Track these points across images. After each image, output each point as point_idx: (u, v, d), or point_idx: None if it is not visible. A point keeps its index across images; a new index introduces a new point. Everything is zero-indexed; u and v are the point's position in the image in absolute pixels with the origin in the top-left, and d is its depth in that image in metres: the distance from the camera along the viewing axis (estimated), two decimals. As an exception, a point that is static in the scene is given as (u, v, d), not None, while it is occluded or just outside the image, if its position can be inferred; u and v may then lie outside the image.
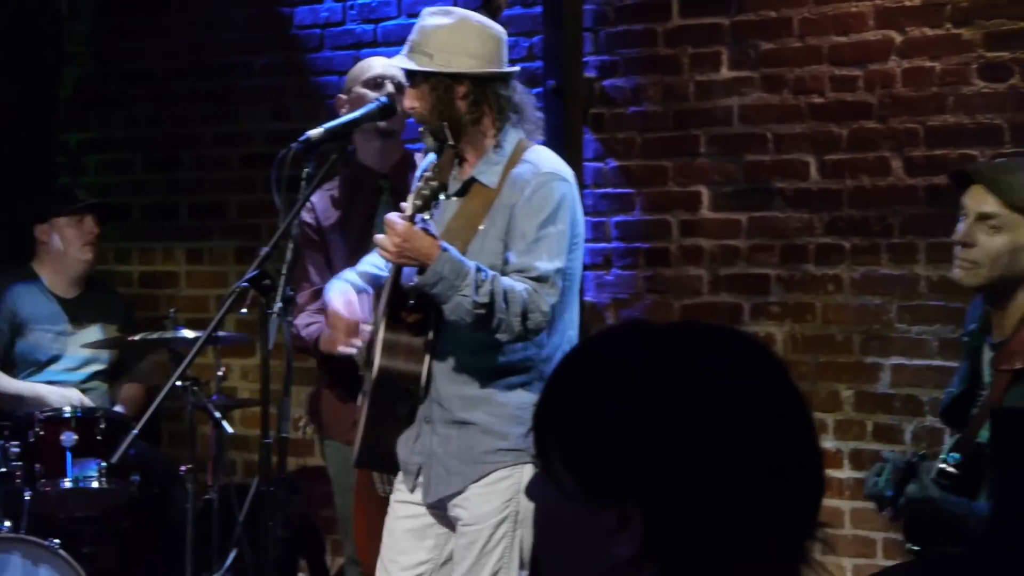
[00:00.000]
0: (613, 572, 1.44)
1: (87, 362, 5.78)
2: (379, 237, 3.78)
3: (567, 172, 3.93)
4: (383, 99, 4.25)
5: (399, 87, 4.64)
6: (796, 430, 1.47)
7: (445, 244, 3.73)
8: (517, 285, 3.75)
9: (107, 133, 6.90)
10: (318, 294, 4.83)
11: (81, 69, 6.96)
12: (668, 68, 5.63)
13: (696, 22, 5.58)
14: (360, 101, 4.50)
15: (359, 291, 4.13)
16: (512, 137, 3.89)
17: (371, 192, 4.83)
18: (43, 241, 5.82)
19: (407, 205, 3.77)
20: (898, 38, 5.26)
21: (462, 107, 3.85)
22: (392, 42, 6.04)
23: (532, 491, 1.52)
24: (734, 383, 1.45)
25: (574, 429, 1.46)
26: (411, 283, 3.82)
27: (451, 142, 3.83)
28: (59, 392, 5.61)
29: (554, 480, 1.48)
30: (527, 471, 3.84)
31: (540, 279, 3.77)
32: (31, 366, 5.71)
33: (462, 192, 3.92)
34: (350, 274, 4.20)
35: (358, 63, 5.01)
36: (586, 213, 5.63)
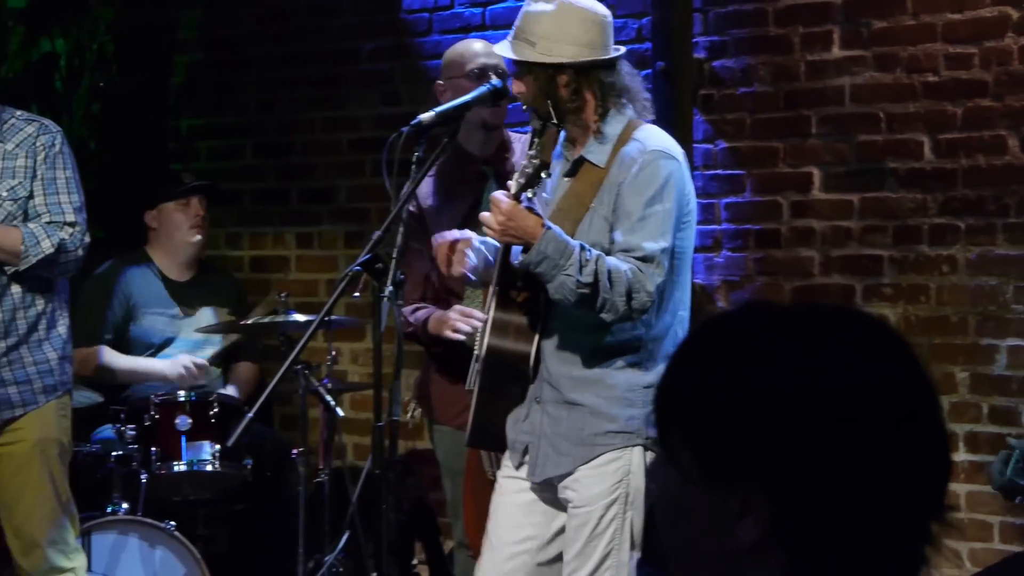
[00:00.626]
0: (736, 558, 1.42)
1: (200, 345, 5.83)
2: (484, 215, 3.78)
3: (676, 150, 3.90)
4: (496, 82, 4.24)
5: (503, 75, 4.66)
6: (924, 410, 1.44)
7: (549, 223, 3.72)
8: (622, 265, 3.73)
9: (218, 119, 6.96)
10: (423, 282, 4.85)
11: (192, 56, 7.03)
12: (779, 48, 5.57)
13: (807, 1, 5.52)
14: (463, 92, 4.49)
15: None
16: (619, 119, 3.87)
17: (474, 179, 4.84)
18: (153, 227, 5.89)
19: (512, 184, 3.76)
20: (1015, 14, 5.16)
21: (564, 95, 3.84)
22: (500, 25, 6.03)
23: (654, 473, 1.50)
24: (861, 365, 1.42)
25: (696, 413, 1.43)
26: (517, 262, 3.82)
27: (555, 120, 3.82)
28: (169, 362, 5.68)
29: (675, 464, 1.45)
30: (636, 453, 3.83)
31: (646, 259, 3.75)
32: (145, 349, 5.78)
33: (573, 172, 3.91)
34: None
35: (453, 47, 5.00)
36: (696, 195, 5.61)
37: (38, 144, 4.49)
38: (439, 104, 4.24)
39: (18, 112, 4.59)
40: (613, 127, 3.86)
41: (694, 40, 5.67)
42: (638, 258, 3.75)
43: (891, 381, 1.43)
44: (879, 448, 1.40)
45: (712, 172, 5.70)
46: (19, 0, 6.45)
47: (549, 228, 3.70)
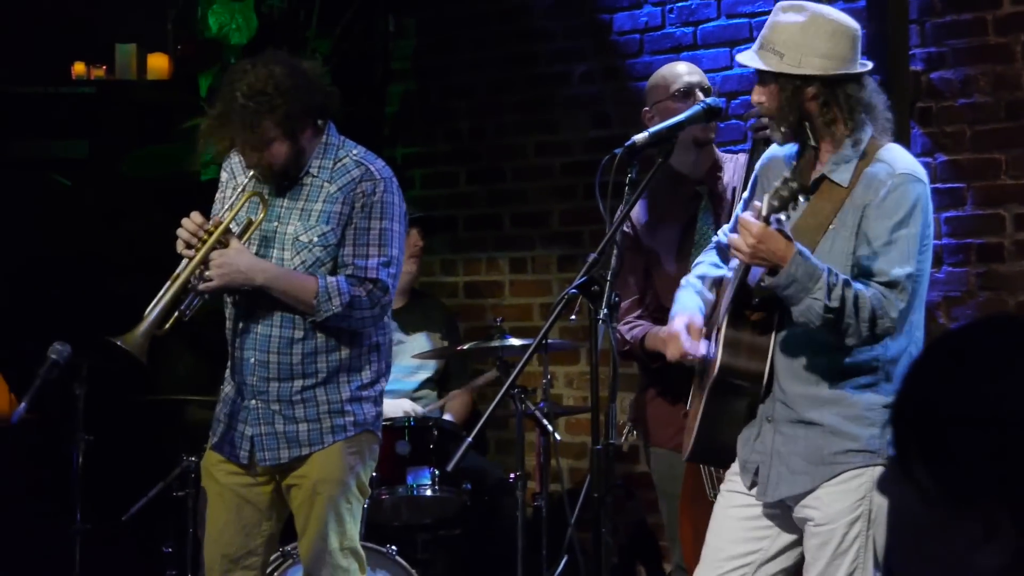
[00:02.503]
0: None
1: (415, 370, 5.90)
2: (733, 237, 3.73)
3: (922, 172, 3.83)
4: (710, 100, 4.20)
5: (708, 92, 4.63)
6: None
7: (799, 246, 3.67)
8: (867, 290, 3.68)
9: (431, 147, 7.04)
10: (638, 303, 4.83)
11: (406, 85, 7.13)
12: (999, 57, 5.42)
13: (1029, 8, 5.37)
14: (669, 115, 4.44)
15: (704, 304, 4.06)
16: (864, 135, 3.80)
17: (688, 198, 4.82)
18: None
19: (762, 204, 3.68)
20: None
21: (813, 108, 3.76)
22: (711, 44, 5.99)
23: (886, 487, 1.42)
24: None
25: (940, 428, 1.36)
26: (758, 283, 3.76)
27: (812, 143, 3.75)
28: (391, 404, 5.74)
29: (912, 480, 1.39)
30: (878, 472, 3.74)
31: (891, 284, 3.69)
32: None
33: (812, 190, 3.83)
34: (694, 281, 4.11)
35: (657, 72, 4.97)
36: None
37: (358, 191, 4.35)
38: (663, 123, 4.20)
39: (355, 151, 4.44)
40: (857, 145, 3.79)
41: (911, 52, 5.56)
42: (883, 283, 3.69)
43: None
44: None
45: (932, 186, 5.53)
46: (240, 37, 6.60)
47: (799, 251, 3.65)
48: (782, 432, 3.83)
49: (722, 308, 3.92)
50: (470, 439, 3.85)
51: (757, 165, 4.08)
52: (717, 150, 4.93)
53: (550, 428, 5.14)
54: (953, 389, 1.37)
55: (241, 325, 4.43)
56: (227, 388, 4.51)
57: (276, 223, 4.41)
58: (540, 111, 6.67)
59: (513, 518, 5.15)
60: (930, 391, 1.40)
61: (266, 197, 4.40)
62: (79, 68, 6.86)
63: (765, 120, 4.03)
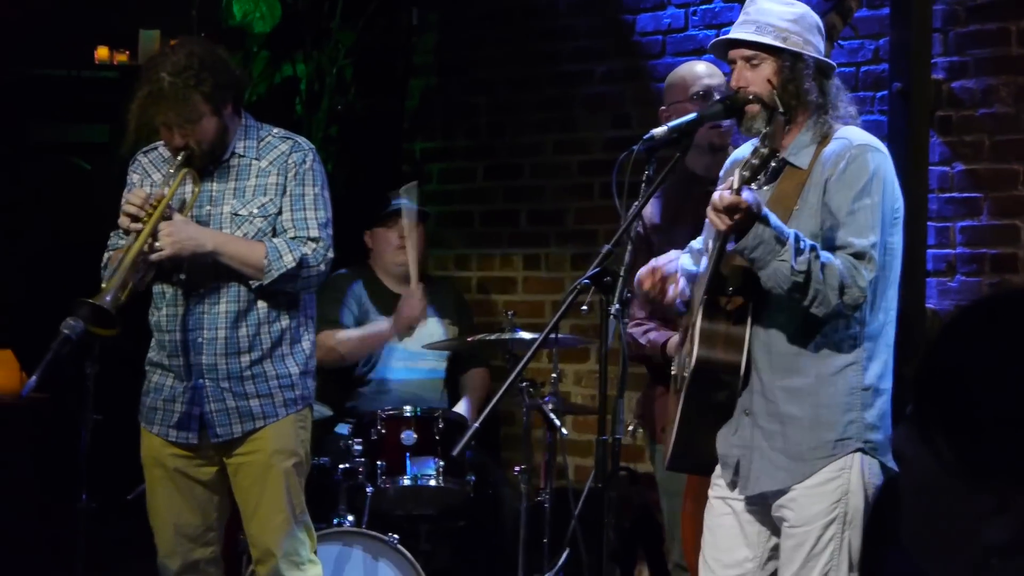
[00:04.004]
0: (982, 555, 1.33)
1: (423, 356, 5.92)
2: (710, 210, 3.74)
3: (881, 145, 3.89)
4: (730, 93, 4.18)
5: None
6: None
7: (767, 211, 3.69)
8: (835, 259, 3.71)
9: (450, 142, 7.05)
10: (647, 302, 4.82)
11: (427, 80, 7.13)
12: (1022, 68, 5.40)
13: (1053, 19, 5.35)
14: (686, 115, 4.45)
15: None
16: (827, 124, 3.87)
17: (701, 199, 4.80)
18: (369, 247, 6.07)
19: (735, 179, 3.71)
20: None
21: (808, 88, 3.84)
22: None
23: (904, 446, 1.38)
24: None
25: (963, 400, 1.33)
26: (730, 253, 3.76)
27: (782, 110, 3.77)
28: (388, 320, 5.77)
29: (929, 446, 1.35)
30: (856, 463, 3.76)
31: (857, 255, 3.73)
32: (372, 356, 5.90)
33: (774, 177, 3.88)
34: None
35: (675, 71, 4.98)
36: (930, 218, 5.46)
37: (290, 161, 4.54)
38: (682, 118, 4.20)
39: (275, 130, 4.64)
40: (820, 129, 3.86)
41: (933, 60, 5.54)
42: (850, 254, 3.73)
43: None
44: None
45: (948, 195, 5.55)
46: (264, 26, 6.62)
47: (767, 215, 3.68)
48: (761, 426, 3.83)
49: (696, 301, 3.93)
50: (476, 424, 3.85)
51: (721, 172, 4.09)
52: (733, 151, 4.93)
53: (557, 423, 5.13)
54: (982, 360, 1.34)
55: (188, 305, 4.53)
56: (157, 375, 4.61)
57: (209, 206, 4.55)
58: (560, 109, 6.67)
59: (516, 511, 5.15)
60: (958, 361, 1.36)
61: (196, 177, 4.52)
62: (102, 52, 6.88)
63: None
